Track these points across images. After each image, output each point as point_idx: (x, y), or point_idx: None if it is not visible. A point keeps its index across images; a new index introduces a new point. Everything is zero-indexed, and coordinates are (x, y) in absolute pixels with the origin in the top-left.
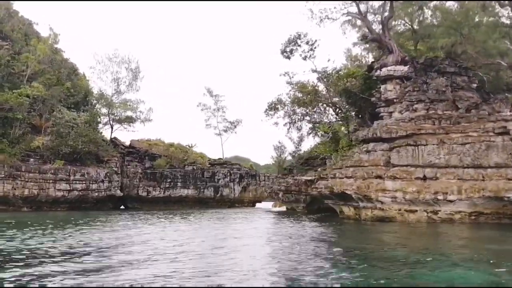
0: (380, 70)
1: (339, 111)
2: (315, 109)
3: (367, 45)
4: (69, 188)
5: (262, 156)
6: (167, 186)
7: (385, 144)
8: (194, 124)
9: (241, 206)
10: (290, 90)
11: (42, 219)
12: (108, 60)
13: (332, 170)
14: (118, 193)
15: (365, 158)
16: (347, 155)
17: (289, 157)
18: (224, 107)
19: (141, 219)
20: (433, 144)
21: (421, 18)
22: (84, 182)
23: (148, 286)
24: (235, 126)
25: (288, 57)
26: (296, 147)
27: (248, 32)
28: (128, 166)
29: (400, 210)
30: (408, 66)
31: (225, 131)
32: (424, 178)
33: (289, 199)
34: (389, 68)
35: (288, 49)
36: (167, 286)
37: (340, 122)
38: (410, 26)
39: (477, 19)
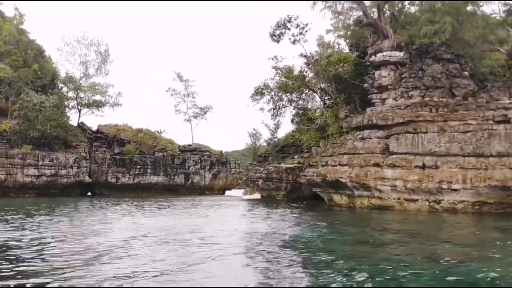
0: (375, 56)
1: (328, 98)
2: (302, 95)
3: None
4: (37, 174)
5: (222, 144)
6: (137, 172)
7: (380, 131)
8: (161, 110)
9: (211, 194)
10: (275, 75)
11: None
12: (77, 42)
13: (322, 157)
14: (87, 179)
15: (360, 145)
16: (337, 142)
17: (263, 144)
18: (195, 92)
19: (114, 206)
20: (433, 132)
21: (400, 5)
22: (53, 167)
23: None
24: (205, 112)
25: (277, 41)
26: (272, 134)
27: (234, 21)
28: (96, 152)
29: (399, 199)
30: (403, 52)
31: (195, 117)
32: (423, 167)
33: (270, 187)
34: (384, 53)
35: (277, 32)
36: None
37: (330, 108)
38: (390, 13)
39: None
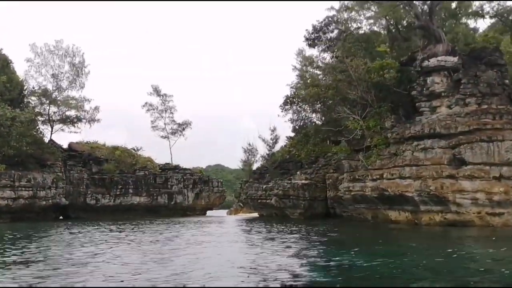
0: (428, 61)
1: (362, 107)
2: (328, 105)
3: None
4: (14, 196)
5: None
6: (118, 193)
7: (442, 141)
8: (134, 126)
9: (193, 214)
10: (298, 83)
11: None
12: (49, 52)
13: (367, 170)
14: (63, 201)
15: (421, 156)
16: (385, 154)
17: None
18: (173, 107)
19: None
20: (511, 140)
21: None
22: (30, 189)
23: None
24: (184, 129)
25: (313, 45)
26: (270, 150)
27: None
28: (71, 171)
29: (479, 213)
30: (457, 57)
31: (173, 133)
32: (500, 177)
33: (286, 205)
34: (439, 58)
35: (313, 37)
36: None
37: (371, 118)
38: (393, 26)
39: None
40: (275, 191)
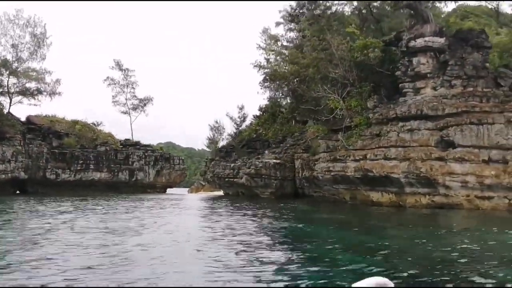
0: (415, 41)
1: (342, 86)
2: (304, 84)
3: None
4: None
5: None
6: (78, 168)
7: (429, 122)
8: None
9: (153, 192)
10: (275, 60)
11: None
12: (8, 21)
13: (347, 151)
14: (22, 175)
15: (407, 137)
16: (366, 134)
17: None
18: (135, 82)
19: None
20: (501, 123)
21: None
22: None
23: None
24: (145, 104)
25: (296, 21)
26: (237, 128)
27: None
28: (31, 145)
29: (468, 196)
30: (444, 38)
31: (134, 109)
32: (488, 161)
33: (257, 184)
34: (426, 38)
35: (297, 12)
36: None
37: (352, 98)
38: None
39: None
40: (246, 169)
